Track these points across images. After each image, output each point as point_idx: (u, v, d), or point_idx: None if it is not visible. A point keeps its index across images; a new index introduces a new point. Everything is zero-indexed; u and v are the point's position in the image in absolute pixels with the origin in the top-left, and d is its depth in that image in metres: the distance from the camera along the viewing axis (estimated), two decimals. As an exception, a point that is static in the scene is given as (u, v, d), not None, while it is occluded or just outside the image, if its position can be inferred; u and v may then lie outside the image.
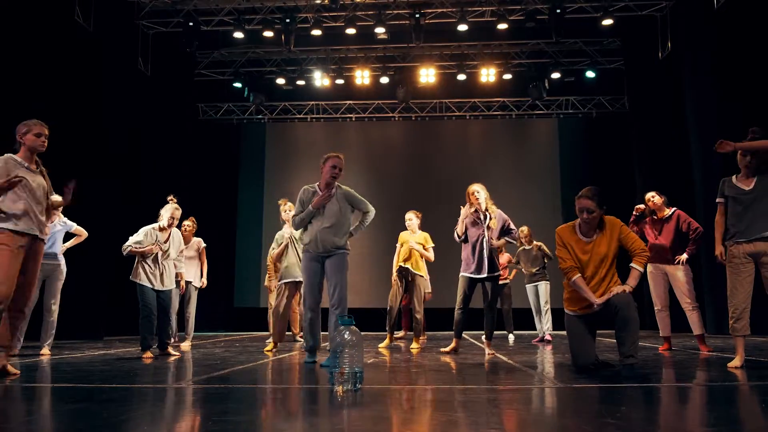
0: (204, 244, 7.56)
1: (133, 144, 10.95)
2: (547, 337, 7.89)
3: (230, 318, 13.06)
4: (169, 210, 5.83)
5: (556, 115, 13.49)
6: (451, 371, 4.24)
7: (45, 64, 8.60)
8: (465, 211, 5.81)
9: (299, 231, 5.12)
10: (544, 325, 8.03)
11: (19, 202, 3.96)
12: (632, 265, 4.01)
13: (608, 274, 4.02)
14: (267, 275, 7.98)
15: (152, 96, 11.64)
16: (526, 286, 8.27)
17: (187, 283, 7.09)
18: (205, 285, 7.46)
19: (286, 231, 6.55)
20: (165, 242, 5.80)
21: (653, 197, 6.15)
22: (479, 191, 5.75)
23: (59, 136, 8.48)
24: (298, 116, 13.86)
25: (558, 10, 10.57)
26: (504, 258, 8.66)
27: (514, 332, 8.93)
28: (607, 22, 10.78)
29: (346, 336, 3.37)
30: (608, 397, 2.95)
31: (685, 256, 5.94)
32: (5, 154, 4.04)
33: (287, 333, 6.41)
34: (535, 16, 10.81)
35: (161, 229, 5.80)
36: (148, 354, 5.48)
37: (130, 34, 11.17)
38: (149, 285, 5.62)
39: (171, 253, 5.84)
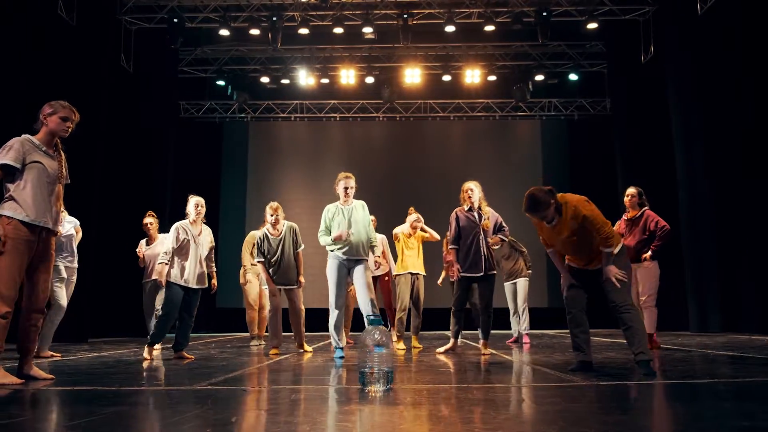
0: None
1: (113, 141, 10.72)
2: (525, 339, 7.52)
3: (213, 319, 12.88)
4: (192, 202, 5.71)
5: (538, 117, 13.64)
6: (469, 371, 4.26)
7: (27, 58, 8.39)
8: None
9: (323, 237, 5.49)
10: (522, 324, 7.64)
11: (29, 190, 3.58)
12: (600, 247, 3.91)
13: (585, 244, 3.98)
14: (243, 270, 7.67)
15: (134, 93, 11.45)
16: (504, 284, 7.81)
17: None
18: None
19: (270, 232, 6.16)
20: (199, 235, 5.68)
21: (630, 196, 6.15)
22: (473, 189, 5.80)
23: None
24: (282, 115, 13.74)
25: (545, 13, 10.71)
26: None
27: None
28: (592, 25, 10.97)
29: (376, 336, 3.37)
30: (646, 393, 3.00)
31: (649, 253, 5.90)
32: (22, 135, 3.70)
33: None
34: (521, 18, 10.93)
35: (193, 223, 5.69)
36: (153, 351, 5.41)
37: (113, 29, 10.95)
38: (181, 283, 5.49)
39: (203, 250, 5.71)
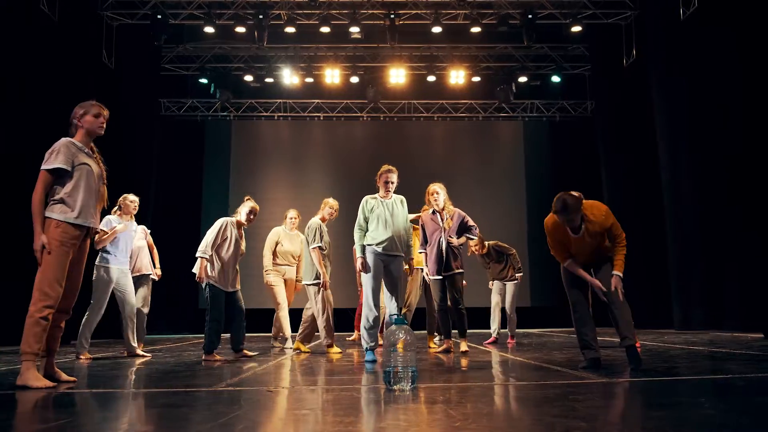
0: (149, 230, 6.89)
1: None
2: (510, 341, 7.37)
3: (195, 320, 12.69)
4: (248, 206, 5.59)
5: (521, 118, 13.78)
6: (481, 369, 4.29)
7: (7, 54, 8.20)
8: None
9: (358, 231, 5.24)
10: (509, 325, 7.49)
11: (79, 191, 3.60)
12: (614, 273, 4.07)
13: (598, 249, 4.16)
14: (265, 272, 7.01)
15: (115, 90, 11.23)
16: (494, 282, 7.62)
17: (145, 276, 6.54)
18: (160, 275, 6.78)
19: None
20: (241, 238, 5.58)
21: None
22: (439, 192, 5.89)
23: (20, 129, 8.18)
24: (265, 114, 13.63)
25: (530, 16, 10.84)
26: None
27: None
28: (576, 28, 11.12)
29: (400, 335, 3.36)
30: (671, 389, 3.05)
31: None
32: (63, 138, 3.67)
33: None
34: (507, 20, 11.04)
35: (238, 225, 5.57)
36: (216, 357, 5.31)
37: (95, 25, 10.75)
38: (222, 287, 5.38)
39: (239, 253, 5.60)
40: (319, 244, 5.92)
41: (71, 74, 9.60)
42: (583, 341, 4.26)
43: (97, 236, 5.79)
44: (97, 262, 5.86)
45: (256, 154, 13.49)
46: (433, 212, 5.88)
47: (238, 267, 5.64)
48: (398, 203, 5.31)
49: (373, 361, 4.83)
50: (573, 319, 4.33)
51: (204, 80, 12.72)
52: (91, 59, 10.49)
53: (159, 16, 10.85)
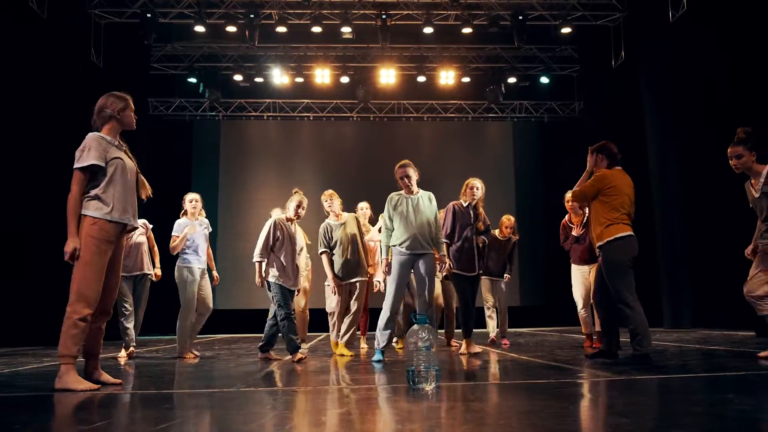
0: (150, 225, 6.66)
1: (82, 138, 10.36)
2: (504, 342, 7.13)
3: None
4: (296, 200, 5.43)
5: (510, 119, 13.88)
6: (495, 370, 4.31)
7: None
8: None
9: (384, 231, 5.10)
10: (503, 326, 7.28)
11: (115, 187, 3.46)
12: None
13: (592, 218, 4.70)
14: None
15: (103, 88, 11.04)
16: (485, 278, 7.22)
17: (144, 275, 6.31)
18: (159, 276, 6.55)
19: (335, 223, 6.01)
20: (295, 234, 5.46)
21: (571, 201, 6.12)
22: (479, 187, 5.71)
23: (9, 127, 8.07)
24: (254, 114, 13.56)
25: (520, 17, 10.93)
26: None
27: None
28: (566, 30, 11.22)
29: (422, 335, 3.37)
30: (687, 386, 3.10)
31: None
32: (91, 134, 3.53)
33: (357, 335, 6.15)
34: (498, 21, 11.12)
35: (288, 221, 5.42)
36: (300, 354, 5.14)
37: (83, 23, 10.62)
38: (288, 286, 5.24)
39: (296, 249, 5.49)
40: (323, 250, 5.85)
41: (59, 72, 9.48)
42: (600, 335, 4.61)
43: (170, 242, 5.79)
44: (179, 264, 5.79)
45: (245, 154, 13.42)
46: (467, 205, 5.67)
47: (298, 263, 5.50)
48: (425, 199, 5.11)
49: (380, 362, 4.79)
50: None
51: (193, 80, 12.63)
52: (79, 57, 10.36)
53: (148, 15, 10.73)
